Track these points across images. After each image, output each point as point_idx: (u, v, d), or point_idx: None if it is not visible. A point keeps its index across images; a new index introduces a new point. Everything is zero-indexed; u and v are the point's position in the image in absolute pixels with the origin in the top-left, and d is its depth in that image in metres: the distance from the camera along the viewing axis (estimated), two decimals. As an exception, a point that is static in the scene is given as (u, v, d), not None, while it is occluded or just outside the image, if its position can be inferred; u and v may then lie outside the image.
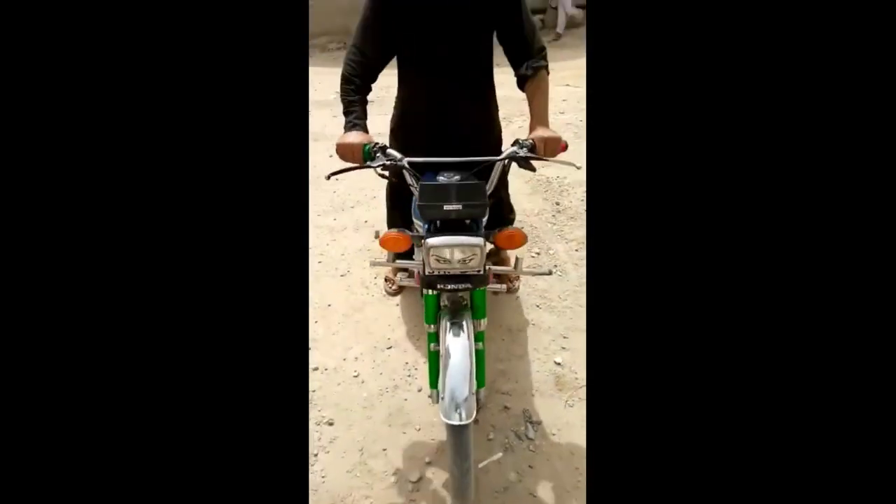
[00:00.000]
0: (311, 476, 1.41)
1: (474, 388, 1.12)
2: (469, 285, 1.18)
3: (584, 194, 2.70)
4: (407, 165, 1.21)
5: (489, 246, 1.21)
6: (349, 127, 1.28)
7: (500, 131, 1.64)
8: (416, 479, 1.39)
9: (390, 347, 1.82)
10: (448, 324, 1.20)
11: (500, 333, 1.85)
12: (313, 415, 1.58)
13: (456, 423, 1.07)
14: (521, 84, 1.39)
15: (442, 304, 1.26)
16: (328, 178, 1.20)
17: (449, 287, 1.18)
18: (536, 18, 1.35)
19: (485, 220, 1.28)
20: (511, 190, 1.91)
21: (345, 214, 2.62)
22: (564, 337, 1.83)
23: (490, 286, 1.27)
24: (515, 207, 1.99)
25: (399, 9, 1.32)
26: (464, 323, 1.20)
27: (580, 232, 2.40)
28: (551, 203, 2.64)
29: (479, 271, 1.16)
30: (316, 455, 1.47)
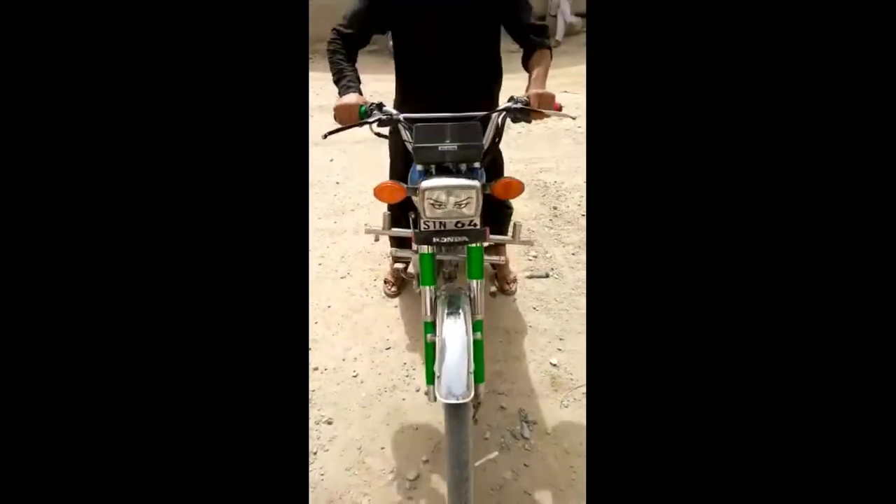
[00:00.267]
0: (310, 474, 1.43)
1: (472, 369, 1.09)
2: (465, 238, 1.14)
3: (581, 199, 2.73)
4: (402, 120, 1.20)
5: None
6: (344, 90, 1.29)
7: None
8: (414, 478, 1.41)
9: (389, 348, 1.84)
10: (444, 312, 1.18)
11: (498, 335, 1.87)
12: (313, 414, 1.60)
13: (453, 401, 1.04)
14: (525, 61, 1.42)
15: (439, 292, 1.23)
16: (325, 136, 1.18)
17: (445, 241, 1.15)
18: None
19: (482, 172, 1.24)
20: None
21: (345, 217, 2.65)
22: (560, 339, 1.86)
23: (489, 257, 1.24)
24: (513, 206, 2.00)
25: (393, 9, 1.37)
26: (461, 310, 1.18)
27: (577, 236, 2.43)
28: (549, 207, 2.67)
29: (474, 224, 1.14)
30: (315, 453, 1.49)
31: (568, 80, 4.24)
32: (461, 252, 1.26)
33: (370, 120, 1.20)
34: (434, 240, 1.16)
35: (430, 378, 1.24)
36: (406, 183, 1.27)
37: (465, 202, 1.11)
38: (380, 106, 1.22)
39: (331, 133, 1.18)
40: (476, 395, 1.16)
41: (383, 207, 1.91)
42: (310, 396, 1.66)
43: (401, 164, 1.59)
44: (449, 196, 1.11)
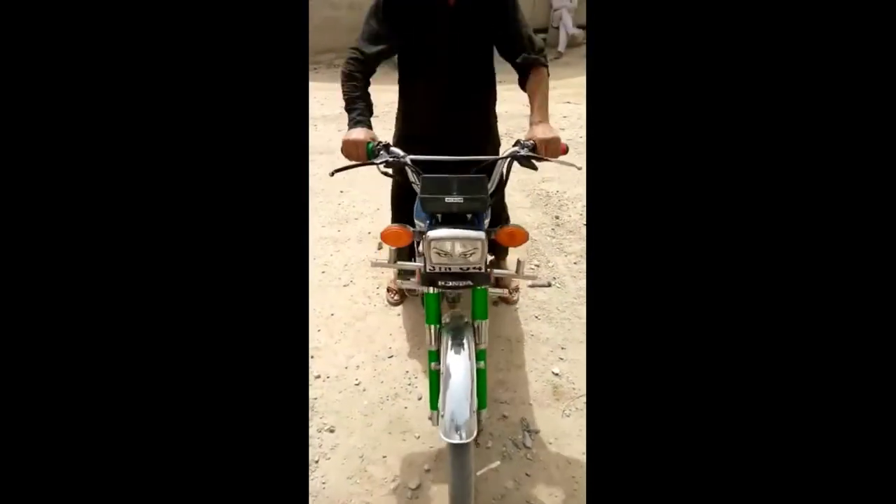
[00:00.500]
0: (311, 482, 1.43)
1: (475, 406, 1.11)
2: (470, 283, 1.17)
3: (583, 208, 2.75)
4: (409, 163, 1.22)
5: (490, 260, 1.22)
6: (353, 123, 1.29)
7: (498, 143, 1.68)
8: (416, 487, 1.41)
9: (391, 356, 1.85)
10: (449, 342, 1.19)
11: (500, 344, 1.88)
12: (315, 422, 1.60)
13: (456, 441, 1.06)
14: (522, 81, 1.41)
15: (443, 321, 1.26)
16: (332, 174, 1.21)
17: (450, 284, 1.17)
18: (539, 37, 1.40)
19: (487, 219, 1.29)
20: (511, 203, 1.95)
21: (349, 226, 2.67)
22: (562, 348, 1.86)
23: (491, 290, 1.27)
24: (516, 221, 2.03)
25: (401, 12, 1.38)
26: (465, 341, 1.19)
27: (579, 245, 2.44)
28: (551, 217, 2.69)
29: (479, 268, 1.16)
30: (317, 462, 1.49)
31: (570, 91, 4.28)
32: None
33: (377, 161, 1.22)
34: (439, 283, 1.19)
35: (435, 403, 1.25)
36: (410, 213, 1.28)
37: (470, 252, 1.14)
38: (387, 146, 1.24)
39: (338, 171, 1.21)
40: (478, 421, 1.17)
41: (387, 216, 1.94)
42: (312, 404, 1.66)
43: (404, 204, 1.64)
44: (455, 245, 1.14)
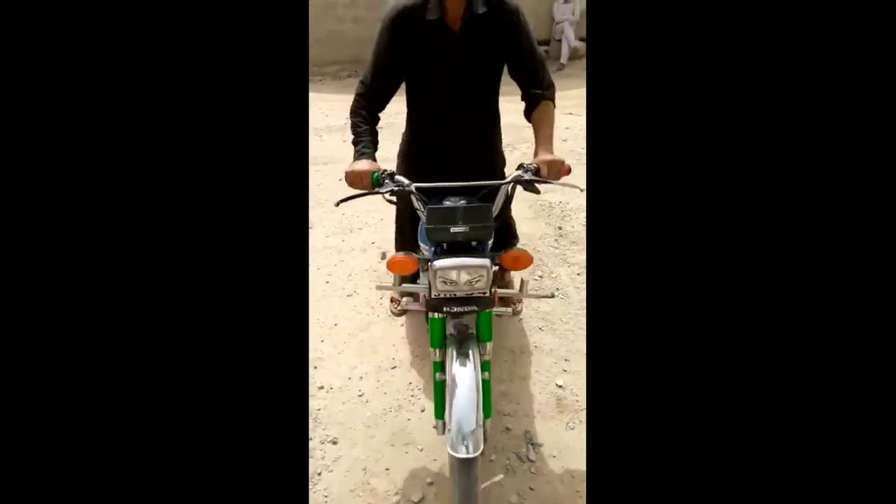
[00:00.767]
0: (314, 495, 1.42)
1: (481, 419, 1.11)
2: (475, 308, 1.19)
3: (586, 219, 2.75)
4: (414, 191, 1.24)
5: (494, 268, 1.23)
6: (358, 156, 1.33)
7: (503, 162, 1.69)
8: (419, 500, 1.39)
9: (395, 367, 1.84)
10: (454, 353, 1.20)
11: (503, 355, 1.87)
12: (317, 433, 1.60)
13: (463, 455, 1.06)
14: (528, 113, 1.43)
15: (448, 332, 1.26)
16: (337, 204, 1.24)
17: (455, 310, 1.18)
18: (541, 49, 1.41)
19: (490, 242, 1.31)
20: (514, 214, 1.96)
21: (353, 236, 2.68)
22: (566, 359, 1.85)
23: (495, 309, 1.28)
24: (519, 231, 2.04)
25: (409, 39, 1.39)
26: (470, 352, 1.19)
27: (582, 256, 2.44)
28: (553, 227, 2.69)
29: (484, 293, 1.17)
30: (319, 474, 1.48)
31: (571, 103, 4.30)
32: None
33: (382, 190, 1.25)
34: (444, 308, 1.20)
35: (440, 413, 1.25)
36: (414, 238, 1.28)
37: (476, 279, 1.16)
38: (391, 175, 1.26)
39: (343, 201, 1.24)
40: (483, 431, 1.17)
41: (391, 226, 1.95)
42: (316, 415, 1.66)
43: (409, 227, 1.66)
44: (461, 274, 1.15)
